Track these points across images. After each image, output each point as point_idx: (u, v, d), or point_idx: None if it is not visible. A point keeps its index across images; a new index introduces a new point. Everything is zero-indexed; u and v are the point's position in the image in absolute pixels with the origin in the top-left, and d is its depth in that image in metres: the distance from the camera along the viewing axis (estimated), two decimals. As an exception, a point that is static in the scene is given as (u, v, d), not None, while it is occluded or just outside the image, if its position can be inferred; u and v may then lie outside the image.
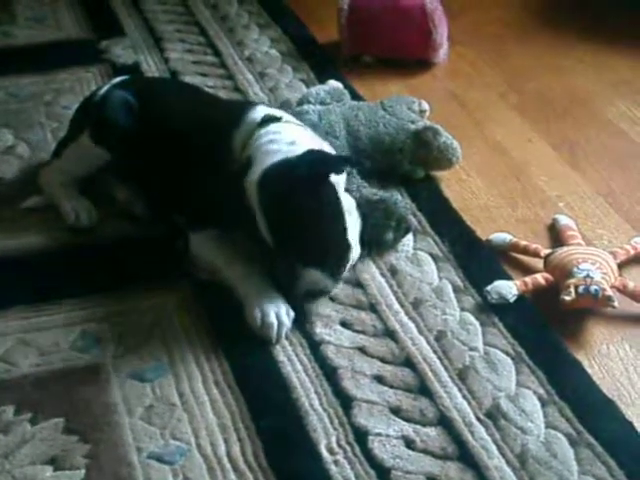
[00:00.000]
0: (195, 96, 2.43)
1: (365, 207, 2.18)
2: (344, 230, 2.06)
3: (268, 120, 2.13)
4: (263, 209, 1.97)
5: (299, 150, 2.02)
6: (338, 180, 2.05)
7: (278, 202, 1.97)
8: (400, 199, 2.27)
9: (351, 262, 2.11)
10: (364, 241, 2.16)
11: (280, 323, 1.98)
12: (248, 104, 2.36)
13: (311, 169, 1.98)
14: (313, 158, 2.02)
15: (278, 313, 1.99)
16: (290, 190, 1.96)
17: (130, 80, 2.50)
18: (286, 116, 2.20)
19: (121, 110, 2.31)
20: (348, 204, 2.11)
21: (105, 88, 2.40)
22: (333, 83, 2.74)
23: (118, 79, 2.48)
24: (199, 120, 2.25)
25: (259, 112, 2.18)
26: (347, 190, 2.19)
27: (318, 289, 2.03)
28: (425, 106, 2.62)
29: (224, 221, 2.10)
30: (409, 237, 2.26)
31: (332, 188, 2.03)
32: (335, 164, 2.03)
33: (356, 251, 2.12)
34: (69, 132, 2.44)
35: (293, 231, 1.98)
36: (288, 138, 2.06)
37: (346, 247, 2.07)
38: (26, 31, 3.40)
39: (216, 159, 2.14)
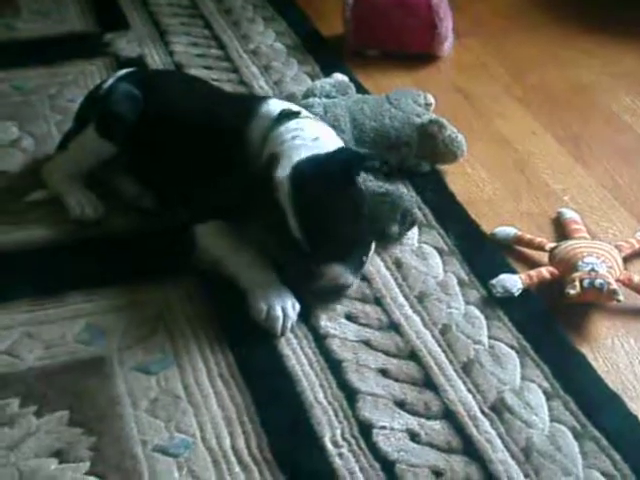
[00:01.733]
0: (201, 88, 2.43)
1: (370, 200, 2.18)
2: (366, 224, 2.08)
3: (287, 115, 2.14)
4: (294, 204, 1.97)
5: (324, 146, 2.04)
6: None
7: (311, 197, 1.97)
8: (405, 192, 2.27)
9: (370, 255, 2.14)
10: (369, 234, 2.16)
11: (285, 316, 1.98)
12: (259, 97, 2.36)
13: (344, 166, 2.01)
14: (345, 155, 2.05)
15: (284, 306, 1.99)
16: (324, 186, 1.98)
17: (135, 72, 2.50)
18: (303, 111, 2.20)
19: (126, 103, 2.31)
20: None
21: (110, 81, 2.40)
22: (338, 76, 2.73)
23: (123, 71, 2.48)
24: (207, 113, 2.25)
25: (273, 105, 2.19)
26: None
27: (341, 284, 2.03)
28: (431, 99, 2.62)
29: (237, 215, 2.10)
30: (414, 230, 2.26)
31: (358, 185, 2.06)
32: (365, 161, 2.05)
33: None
34: (74, 125, 2.44)
35: (323, 227, 1.98)
36: (312, 134, 2.07)
37: (368, 242, 2.09)
38: (30, 24, 3.40)
39: (227, 152, 2.14)
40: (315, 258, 1.99)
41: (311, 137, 2.06)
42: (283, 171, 1.99)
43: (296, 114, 2.15)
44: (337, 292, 2.05)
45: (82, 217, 2.30)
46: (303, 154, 2.01)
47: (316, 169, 1.99)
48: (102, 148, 2.34)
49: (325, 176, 1.99)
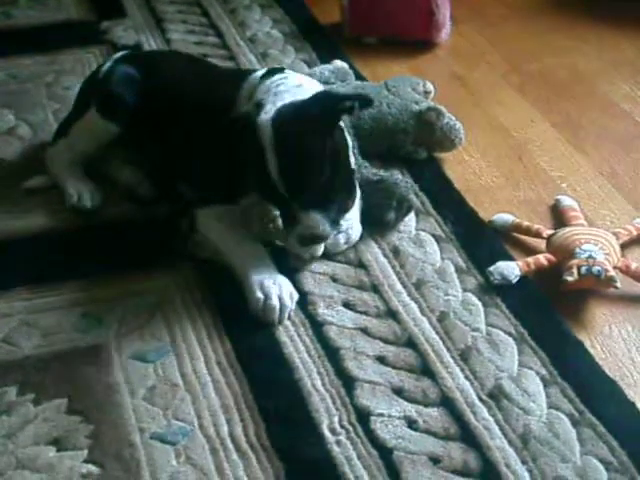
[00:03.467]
0: (197, 66, 2.45)
1: (366, 187, 2.18)
2: (350, 174, 2.07)
3: (272, 71, 2.15)
4: (275, 146, 1.95)
5: (307, 92, 2.03)
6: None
7: (291, 139, 1.96)
8: (401, 178, 2.27)
9: (352, 240, 2.14)
10: (366, 221, 2.16)
11: (283, 305, 1.98)
12: (249, 70, 2.37)
13: (324, 108, 2.00)
14: (325, 97, 2.04)
15: (281, 295, 1.99)
16: (304, 128, 1.97)
17: (132, 54, 2.51)
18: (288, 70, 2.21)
19: (126, 83, 2.33)
20: None
21: (108, 64, 2.40)
22: (338, 63, 2.73)
23: (120, 54, 2.48)
24: (203, 89, 2.26)
25: (260, 71, 2.20)
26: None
27: (317, 234, 1.99)
28: (430, 87, 2.62)
29: (230, 195, 2.10)
30: (411, 217, 2.26)
31: (341, 130, 2.05)
32: (347, 102, 2.03)
33: (357, 231, 2.13)
34: (74, 110, 2.44)
35: (301, 169, 1.96)
36: (295, 82, 2.08)
37: (350, 191, 2.08)
38: (27, 12, 3.40)
39: (220, 127, 2.13)
40: (293, 203, 1.97)
41: (294, 84, 2.07)
42: (266, 115, 1.98)
43: (281, 70, 2.16)
44: (313, 242, 2.03)
45: (78, 205, 2.29)
46: (286, 99, 2.00)
47: (297, 112, 1.98)
48: (105, 130, 2.34)
49: (305, 118, 1.97)
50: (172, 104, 2.28)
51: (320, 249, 2.10)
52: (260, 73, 2.18)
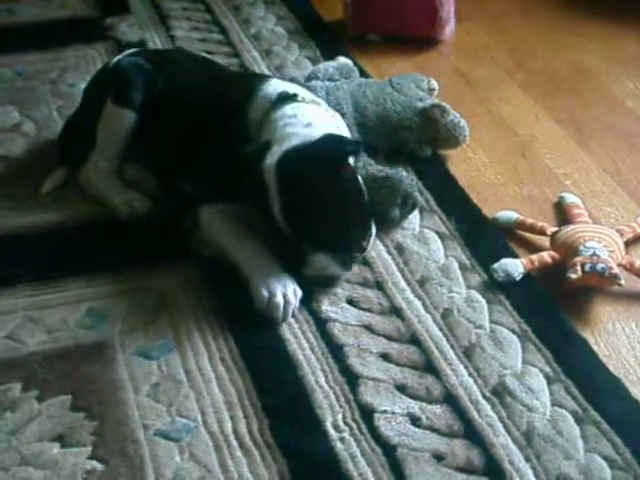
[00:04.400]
0: (205, 66, 2.45)
1: (371, 184, 2.18)
2: (365, 213, 2.08)
3: (283, 99, 2.14)
4: (278, 190, 1.97)
5: (316, 132, 2.04)
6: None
7: (293, 183, 1.98)
8: (405, 175, 2.27)
9: (368, 248, 2.13)
10: (367, 225, 2.16)
11: (287, 302, 1.98)
12: (261, 77, 2.35)
13: (330, 152, 2.00)
14: (330, 141, 2.03)
15: (285, 292, 1.99)
16: (308, 173, 1.98)
17: (140, 51, 2.53)
18: (300, 91, 2.20)
19: (136, 70, 2.33)
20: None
21: (115, 59, 2.41)
22: (342, 60, 2.73)
23: (127, 52, 2.47)
24: (211, 91, 2.26)
25: (273, 86, 2.19)
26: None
27: (326, 275, 2.02)
28: (434, 85, 2.62)
29: (234, 195, 2.11)
30: (415, 214, 2.26)
31: (348, 173, 2.05)
32: (351, 147, 2.05)
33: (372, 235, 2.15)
34: (91, 117, 2.37)
35: (305, 214, 1.98)
36: (305, 120, 2.08)
37: (363, 233, 2.09)
38: (31, 9, 3.40)
39: (228, 132, 2.15)
40: (299, 247, 1.99)
41: (304, 123, 2.07)
42: (272, 158, 2.00)
43: (293, 97, 2.15)
44: (326, 283, 2.05)
45: (133, 216, 2.26)
46: (293, 142, 2.01)
47: (302, 158, 2.00)
48: (125, 119, 2.32)
49: (310, 163, 1.99)
50: (179, 102, 2.28)
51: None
52: (272, 93, 2.16)
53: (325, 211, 1.99)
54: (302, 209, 1.98)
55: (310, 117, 2.10)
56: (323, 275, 2.02)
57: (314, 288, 2.04)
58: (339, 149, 2.03)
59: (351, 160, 2.08)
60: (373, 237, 2.14)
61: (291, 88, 2.20)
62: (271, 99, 2.15)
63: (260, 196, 2.00)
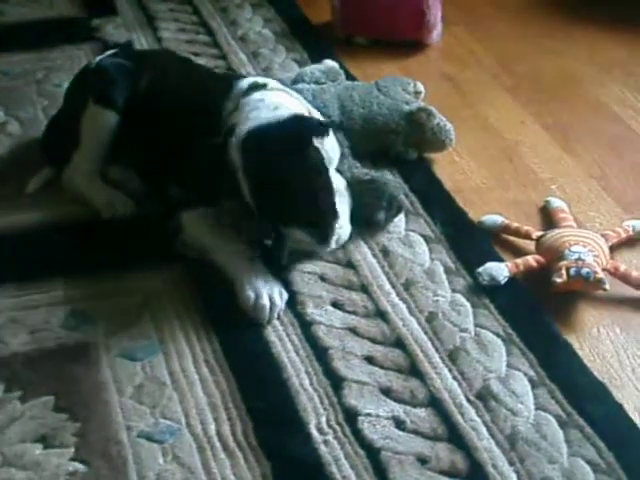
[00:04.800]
0: (186, 65, 2.45)
1: (356, 187, 2.18)
2: (327, 194, 2.07)
3: (252, 88, 2.16)
4: (244, 169, 2.00)
5: (283, 114, 2.06)
6: (330, 154, 2.11)
7: (258, 160, 1.99)
8: (391, 178, 2.27)
9: (342, 240, 2.13)
10: (355, 221, 2.16)
11: (273, 304, 1.98)
12: (237, 76, 2.37)
13: (292, 130, 2.02)
14: (295, 120, 2.06)
15: (271, 294, 1.99)
16: (272, 151, 1.99)
17: (121, 51, 2.52)
18: (272, 83, 2.22)
19: (118, 70, 2.33)
20: (339, 184, 2.14)
21: (97, 59, 2.41)
22: (329, 62, 2.73)
23: (109, 52, 2.47)
24: (191, 89, 2.28)
25: (246, 81, 2.22)
26: (338, 171, 2.20)
27: (304, 249, 2.04)
28: (420, 88, 2.62)
29: (216, 194, 2.11)
30: (400, 217, 2.26)
31: (314, 151, 2.05)
32: (315, 125, 2.07)
33: (347, 230, 2.13)
34: (71, 120, 2.36)
35: (271, 190, 1.99)
36: (271, 104, 2.10)
37: (329, 212, 2.07)
38: (18, 9, 3.39)
39: (207, 129, 2.14)
40: (273, 228, 2.01)
41: (270, 107, 2.08)
42: (236, 137, 2.02)
43: (262, 86, 2.17)
44: (307, 256, 2.07)
45: (115, 217, 2.27)
46: (259, 122, 2.03)
47: (264, 133, 2.01)
48: (108, 120, 2.31)
49: (273, 141, 2.00)
50: (161, 101, 2.28)
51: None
52: (246, 84, 2.19)
53: (290, 186, 1.99)
54: (268, 185, 1.99)
55: (277, 101, 2.12)
56: (300, 249, 2.03)
57: (292, 264, 2.06)
58: (304, 127, 2.05)
59: (319, 143, 2.07)
60: (348, 228, 2.14)
61: (262, 80, 2.22)
62: (243, 90, 2.17)
63: (231, 180, 2.02)
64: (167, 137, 2.24)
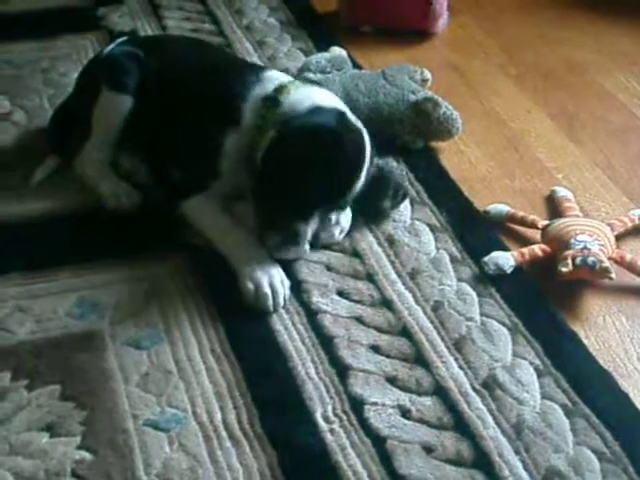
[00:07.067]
0: (201, 50, 2.44)
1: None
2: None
3: (279, 90, 2.14)
4: (266, 163, 2.02)
5: (328, 111, 2.08)
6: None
7: (280, 159, 2.00)
8: (396, 166, 2.26)
9: (345, 231, 2.15)
10: (361, 210, 2.16)
11: (275, 292, 1.98)
12: (258, 68, 2.33)
13: (320, 130, 2.03)
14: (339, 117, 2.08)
15: (272, 282, 1.99)
16: (294, 148, 2.00)
17: (132, 39, 2.51)
18: (297, 83, 2.20)
19: (130, 58, 2.32)
20: None
21: (109, 47, 2.41)
22: (336, 50, 2.72)
23: (120, 40, 2.46)
24: (205, 80, 2.25)
25: (269, 81, 2.18)
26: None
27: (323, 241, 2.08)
28: (427, 75, 2.62)
29: (204, 168, 2.14)
30: (406, 206, 2.26)
31: (339, 151, 2.05)
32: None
33: (348, 218, 2.14)
34: (84, 106, 2.35)
35: (289, 185, 1.99)
36: (316, 101, 2.10)
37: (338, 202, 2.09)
38: (23, -3, 3.39)
39: (221, 124, 2.14)
40: (278, 216, 2.02)
41: (316, 103, 2.08)
42: (264, 140, 2.04)
43: (287, 88, 2.14)
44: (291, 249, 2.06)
45: (118, 207, 2.26)
46: (286, 122, 2.04)
47: (295, 132, 2.02)
48: (121, 104, 2.30)
49: (299, 138, 2.01)
50: (173, 87, 2.26)
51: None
52: (268, 87, 2.15)
53: (312, 181, 2.00)
54: (283, 178, 2.00)
55: (319, 98, 2.12)
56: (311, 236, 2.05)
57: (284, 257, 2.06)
58: (329, 128, 2.05)
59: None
60: (349, 218, 2.15)
61: (287, 80, 2.19)
62: (267, 93, 2.13)
63: (253, 174, 2.06)
64: (178, 123, 2.22)
